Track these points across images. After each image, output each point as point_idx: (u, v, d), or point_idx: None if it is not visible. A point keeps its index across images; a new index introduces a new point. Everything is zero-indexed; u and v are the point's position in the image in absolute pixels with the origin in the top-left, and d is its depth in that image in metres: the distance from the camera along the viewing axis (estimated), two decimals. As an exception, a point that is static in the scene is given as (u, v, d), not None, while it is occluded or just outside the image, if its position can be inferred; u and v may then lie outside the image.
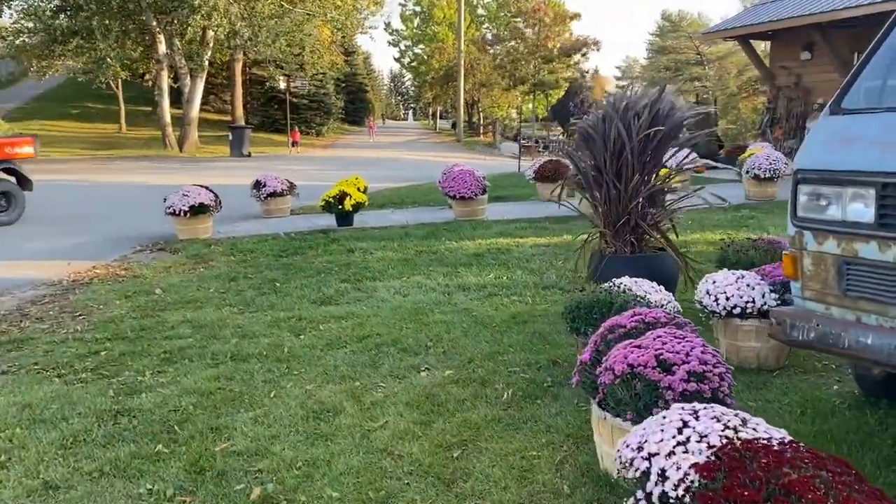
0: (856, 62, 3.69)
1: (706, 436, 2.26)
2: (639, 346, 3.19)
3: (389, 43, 66.64)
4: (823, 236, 3.33)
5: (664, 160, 5.62)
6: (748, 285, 4.67)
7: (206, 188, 10.16)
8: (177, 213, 9.72)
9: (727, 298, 4.65)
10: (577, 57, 31.11)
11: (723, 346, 4.69)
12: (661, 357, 3.07)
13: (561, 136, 40.54)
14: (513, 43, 33.91)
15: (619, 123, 5.38)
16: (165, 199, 9.94)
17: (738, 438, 2.23)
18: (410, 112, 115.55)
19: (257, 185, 12.02)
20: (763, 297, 4.60)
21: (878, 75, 3.46)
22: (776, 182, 11.60)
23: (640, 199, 5.41)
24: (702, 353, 3.11)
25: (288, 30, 30.51)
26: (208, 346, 5.27)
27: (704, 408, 2.41)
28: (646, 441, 2.36)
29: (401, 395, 4.28)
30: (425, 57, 60.84)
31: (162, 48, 30.14)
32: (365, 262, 8.09)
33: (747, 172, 11.63)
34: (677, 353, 3.09)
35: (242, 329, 5.70)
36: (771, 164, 11.36)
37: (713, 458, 2.15)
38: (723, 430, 2.27)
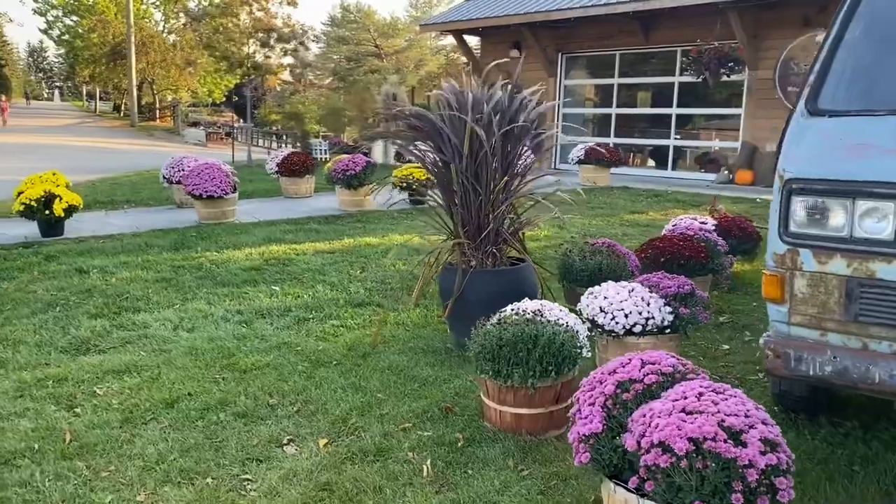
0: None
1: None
2: (684, 411, 2.48)
3: (35, 11, 57.33)
4: (828, 255, 2.94)
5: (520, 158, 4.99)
6: (643, 299, 4.27)
7: None
8: None
9: (626, 316, 4.20)
10: (294, 43, 29.41)
11: (613, 366, 4.22)
12: (724, 424, 2.40)
13: (239, 123, 38.46)
14: (223, 20, 30.96)
15: (471, 122, 4.64)
16: None
17: None
18: (57, 91, 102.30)
19: None
20: (660, 311, 4.23)
21: (856, 68, 3.15)
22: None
23: (504, 206, 4.73)
24: (756, 408, 2.51)
25: None
26: (-70, 448, 3.42)
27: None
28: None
29: (288, 493, 3.06)
30: (81, 30, 53.54)
31: None
32: (110, 286, 6.27)
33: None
34: (736, 415, 2.44)
35: (-26, 408, 3.86)
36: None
37: None
38: None
